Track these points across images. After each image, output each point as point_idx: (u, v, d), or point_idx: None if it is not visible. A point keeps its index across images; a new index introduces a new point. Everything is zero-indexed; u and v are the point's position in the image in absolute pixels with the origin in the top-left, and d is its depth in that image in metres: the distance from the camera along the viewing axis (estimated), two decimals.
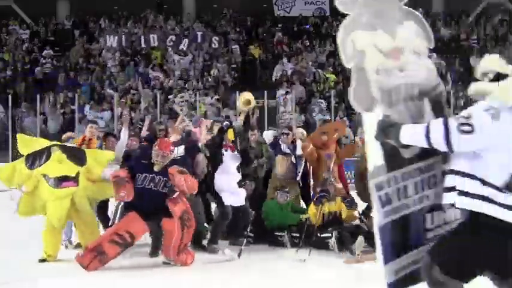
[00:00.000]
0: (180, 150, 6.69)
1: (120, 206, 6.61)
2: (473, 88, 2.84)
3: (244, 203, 6.99)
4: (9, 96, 16.55)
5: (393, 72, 3.04)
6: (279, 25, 21.85)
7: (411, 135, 2.86)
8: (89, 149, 6.72)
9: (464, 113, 2.77)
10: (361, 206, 6.97)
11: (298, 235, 6.86)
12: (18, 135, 6.70)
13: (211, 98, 15.93)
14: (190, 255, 6.16)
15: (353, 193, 7.50)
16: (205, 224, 7.28)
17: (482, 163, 2.70)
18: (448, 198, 2.82)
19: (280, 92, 17.31)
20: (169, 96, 16.97)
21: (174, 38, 19.46)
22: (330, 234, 6.65)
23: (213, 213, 7.43)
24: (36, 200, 6.17)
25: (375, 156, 3.04)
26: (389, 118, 2.98)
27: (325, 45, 20.43)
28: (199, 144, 6.97)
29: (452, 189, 2.79)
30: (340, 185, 7.44)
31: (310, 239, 6.62)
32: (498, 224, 2.66)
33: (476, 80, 2.90)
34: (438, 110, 3.12)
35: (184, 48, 19.28)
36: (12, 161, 15.30)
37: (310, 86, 17.88)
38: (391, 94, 3.05)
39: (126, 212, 6.10)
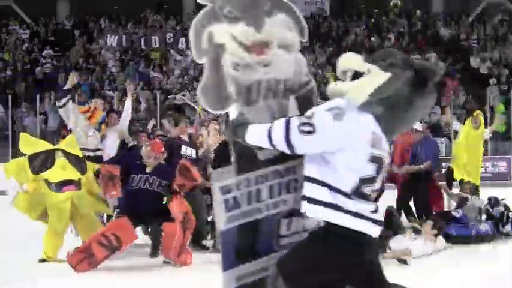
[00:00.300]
0: (193, 152, 6.68)
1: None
2: (330, 88, 2.69)
3: None
4: (9, 96, 16.56)
5: (255, 67, 2.79)
6: None
7: (256, 136, 2.62)
8: (92, 117, 6.79)
9: (308, 112, 2.56)
10: None
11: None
12: (22, 134, 6.73)
13: None
14: (189, 254, 6.15)
15: None
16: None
17: (330, 168, 2.48)
18: (302, 205, 2.58)
19: None
20: (169, 96, 16.98)
21: (172, 36, 19.46)
22: None
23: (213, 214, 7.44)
24: (33, 201, 6.17)
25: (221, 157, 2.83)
26: (242, 116, 2.74)
27: (325, 46, 20.44)
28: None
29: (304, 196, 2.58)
30: None
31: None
32: (347, 233, 2.46)
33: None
34: (306, 109, 2.74)
35: (184, 48, 19.28)
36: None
37: None
38: (251, 91, 2.81)
39: (120, 214, 6.08)
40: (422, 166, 7.92)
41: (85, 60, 19.19)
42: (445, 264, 6.07)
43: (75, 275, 5.72)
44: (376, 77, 2.52)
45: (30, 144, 6.36)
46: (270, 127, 2.57)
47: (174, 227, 5.90)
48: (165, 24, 21.16)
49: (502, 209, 7.74)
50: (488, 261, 6.36)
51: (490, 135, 9.58)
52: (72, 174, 6.19)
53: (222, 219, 2.84)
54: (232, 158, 2.85)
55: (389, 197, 8.37)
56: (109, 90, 17.52)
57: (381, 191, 8.38)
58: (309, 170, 2.55)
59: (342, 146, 2.45)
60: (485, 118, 16.59)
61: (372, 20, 22.57)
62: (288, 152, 2.55)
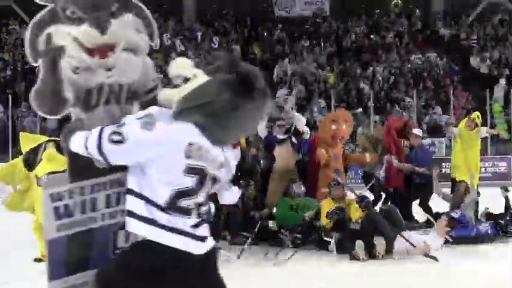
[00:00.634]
0: None
1: None
2: (161, 96, 2.50)
3: (236, 202, 7.02)
4: (9, 96, 16.56)
5: (96, 70, 2.63)
6: (279, 25, 21.85)
7: (78, 143, 2.47)
8: None
9: (122, 120, 2.42)
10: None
11: (300, 236, 6.86)
12: (21, 134, 6.69)
13: None
14: None
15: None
16: None
17: (147, 180, 2.34)
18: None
19: (281, 92, 17.33)
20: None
21: (174, 38, 19.49)
22: (331, 238, 6.63)
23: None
24: (25, 198, 6.16)
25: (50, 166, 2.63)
26: (79, 122, 2.60)
27: (325, 45, 20.45)
28: None
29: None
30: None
31: (313, 240, 6.62)
32: (163, 249, 2.31)
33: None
34: None
35: (182, 49, 19.30)
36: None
37: (311, 86, 17.89)
38: (91, 95, 2.66)
39: None
40: (424, 170, 8.06)
41: None
42: (445, 265, 6.07)
43: None
44: (192, 83, 2.38)
45: (30, 141, 6.34)
46: (88, 135, 2.43)
47: None
48: (165, 24, 21.15)
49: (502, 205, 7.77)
50: (488, 262, 6.35)
51: (487, 135, 9.52)
52: (57, 165, 6.13)
53: (51, 227, 2.65)
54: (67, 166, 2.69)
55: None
56: None
57: (378, 197, 8.37)
58: (130, 181, 2.41)
59: (152, 156, 2.31)
60: (485, 118, 16.73)
61: (372, 20, 22.57)
62: (102, 161, 2.41)
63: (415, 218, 8.19)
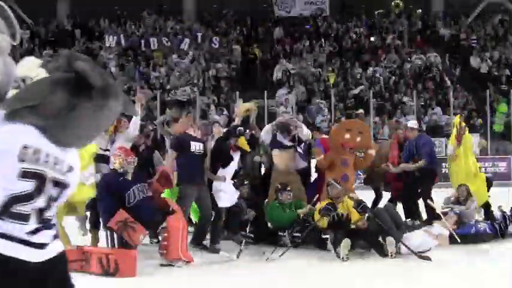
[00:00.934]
0: (201, 147, 6.69)
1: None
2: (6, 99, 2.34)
3: (236, 202, 7.06)
4: None
5: None
6: (279, 25, 21.85)
7: None
8: None
9: None
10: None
11: (299, 235, 6.86)
12: None
13: (221, 111, 15.76)
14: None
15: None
16: None
17: None
18: None
19: (281, 92, 17.34)
20: (171, 92, 17.00)
21: (174, 38, 19.48)
22: (328, 236, 6.64)
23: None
24: None
25: None
26: None
27: (325, 45, 20.45)
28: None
29: None
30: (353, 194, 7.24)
31: (311, 239, 6.62)
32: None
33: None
34: None
35: (185, 48, 19.29)
36: None
37: (311, 86, 17.89)
38: None
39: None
40: (417, 164, 7.83)
41: None
42: (444, 263, 6.07)
43: (75, 275, 5.72)
44: (28, 84, 2.23)
45: None
46: None
47: (177, 221, 5.95)
48: (164, 24, 21.15)
49: (504, 210, 7.75)
50: (487, 261, 6.36)
51: (479, 149, 9.32)
52: None
53: None
54: None
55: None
56: None
57: (379, 196, 8.34)
58: None
59: None
60: (485, 118, 16.73)
61: (372, 20, 22.56)
62: None
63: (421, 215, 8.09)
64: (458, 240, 6.85)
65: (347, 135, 7.40)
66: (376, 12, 23.56)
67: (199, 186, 6.59)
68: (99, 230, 6.57)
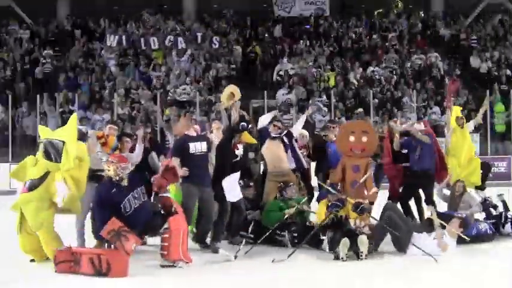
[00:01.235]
0: (203, 146, 6.67)
1: None
2: None
3: (240, 199, 7.07)
4: (9, 96, 16.54)
5: None
6: (279, 25, 21.84)
7: None
8: (106, 145, 6.83)
9: None
10: None
11: (296, 235, 6.87)
12: (40, 127, 6.86)
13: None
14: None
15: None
16: None
17: None
18: None
19: (281, 92, 17.32)
20: (170, 91, 17.00)
21: (172, 38, 19.47)
22: (325, 237, 6.64)
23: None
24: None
25: None
26: None
27: (325, 45, 20.43)
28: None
29: None
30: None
31: (311, 239, 6.63)
32: None
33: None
34: None
35: (184, 47, 19.26)
36: (12, 160, 15.44)
37: (310, 86, 17.87)
38: None
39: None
40: (424, 137, 7.79)
41: (85, 60, 19.17)
42: (444, 263, 6.07)
43: (75, 275, 5.73)
44: None
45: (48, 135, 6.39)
46: None
47: (178, 221, 5.95)
48: (164, 24, 21.13)
49: (501, 209, 7.75)
50: (487, 261, 6.36)
51: (475, 125, 9.42)
52: (35, 172, 6.13)
53: None
54: None
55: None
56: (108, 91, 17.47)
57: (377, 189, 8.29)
58: None
59: None
60: (485, 118, 16.70)
61: (372, 20, 22.54)
62: None
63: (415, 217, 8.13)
64: (467, 239, 6.86)
65: (351, 138, 7.31)
66: (375, 12, 23.54)
67: (202, 187, 6.56)
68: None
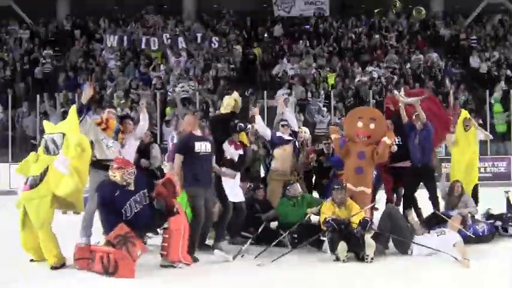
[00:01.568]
0: (207, 147, 6.66)
1: None
2: None
3: (242, 200, 7.07)
4: (9, 96, 16.54)
5: None
6: (279, 25, 21.84)
7: None
8: (108, 129, 6.75)
9: None
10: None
11: (296, 235, 6.87)
12: (45, 122, 6.75)
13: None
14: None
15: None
16: None
17: None
18: None
19: (281, 92, 17.32)
20: (169, 89, 17.00)
21: (174, 38, 19.48)
22: (325, 238, 6.63)
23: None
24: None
25: None
26: None
27: (325, 45, 20.43)
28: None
29: None
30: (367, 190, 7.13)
31: (310, 239, 6.63)
32: None
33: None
34: None
35: (184, 47, 19.26)
36: (12, 160, 15.44)
37: (310, 86, 17.88)
38: None
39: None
40: (422, 114, 7.74)
41: (85, 60, 19.18)
42: (444, 263, 6.07)
43: (75, 276, 5.74)
44: None
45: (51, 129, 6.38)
46: None
47: (179, 222, 5.94)
48: (165, 24, 21.14)
49: (504, 208, 7.76)
50: (487, 261, 6.36)
51: (485, 139, 9.36)
52: (36, 168, 6.12)
53: None
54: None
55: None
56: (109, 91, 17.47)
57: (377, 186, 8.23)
58: None
59: None
60: (485, 118, 16.70)
61: (372, 20, 22.53)
62: None
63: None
64: (473, 236, 6.88)
65: (359, 123, 7.20)
66: (375, 11, 23.52)
67: (205, 187, 6.54)
68: None
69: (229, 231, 7.30)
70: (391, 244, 6.67)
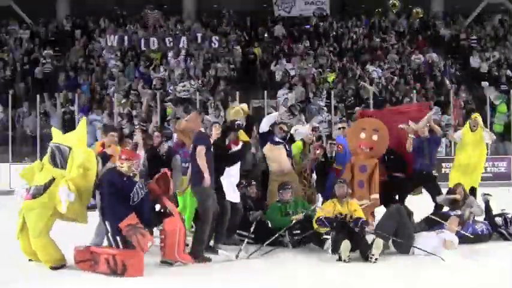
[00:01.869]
0: (211, 148, 6.66)
1: None
2: None
3: (239, 201, 7.06)
4: (9, 96, 16.55)
5: None
6: (279, 25, 21.84)
7: None
8: (114, 158, 6.60)
9: None
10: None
11: (298, 231, 6.85)
12: (53, 129, 6.70)
13: (219, 111, 15.69)
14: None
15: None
16: None
17: None
18: None
19: (281, 92, 17.32)
20: (170, 88, 17.00)
21: (174, 38, 19.48)
22: (329, 236, 6.61)
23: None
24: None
25: None
26: None
27: (325, 45, 20.43)
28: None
29: None
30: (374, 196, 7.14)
31: (310, 236, 6.62)
32: None
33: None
34: None
35: (185, 47, 19.26)
36: (12, 160, 15.43)
37: (310, 86, 17.88)
38: None
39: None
40: (438, 128, 7.83)
41: (85, 60, 19.18)
42: (444, 263, 6.06)
43: (75, 276, 5.74)
44: None
45: (60, 138, 6.34)
46: None
47: (175, 223, 5.95)
48: (165, 24, 21.14)
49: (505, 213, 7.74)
50: (487, 261, 6.36)
51: (489, 141, 9.34)
52: (41, 177, 6.07)
53: None
54: None
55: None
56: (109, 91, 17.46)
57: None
58: None
59: None
60: (485, 118, 16.71)
61: (372, 20, 22.53)
62: None
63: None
64: (471, 236, 6.87)
65: (362, 134, 7.24)
66: (375, 11, 23.54)
67: (212, 187, 6.51)
68: None
69: (226, 230, 7.28)
70: (390, 244, 6.66)
